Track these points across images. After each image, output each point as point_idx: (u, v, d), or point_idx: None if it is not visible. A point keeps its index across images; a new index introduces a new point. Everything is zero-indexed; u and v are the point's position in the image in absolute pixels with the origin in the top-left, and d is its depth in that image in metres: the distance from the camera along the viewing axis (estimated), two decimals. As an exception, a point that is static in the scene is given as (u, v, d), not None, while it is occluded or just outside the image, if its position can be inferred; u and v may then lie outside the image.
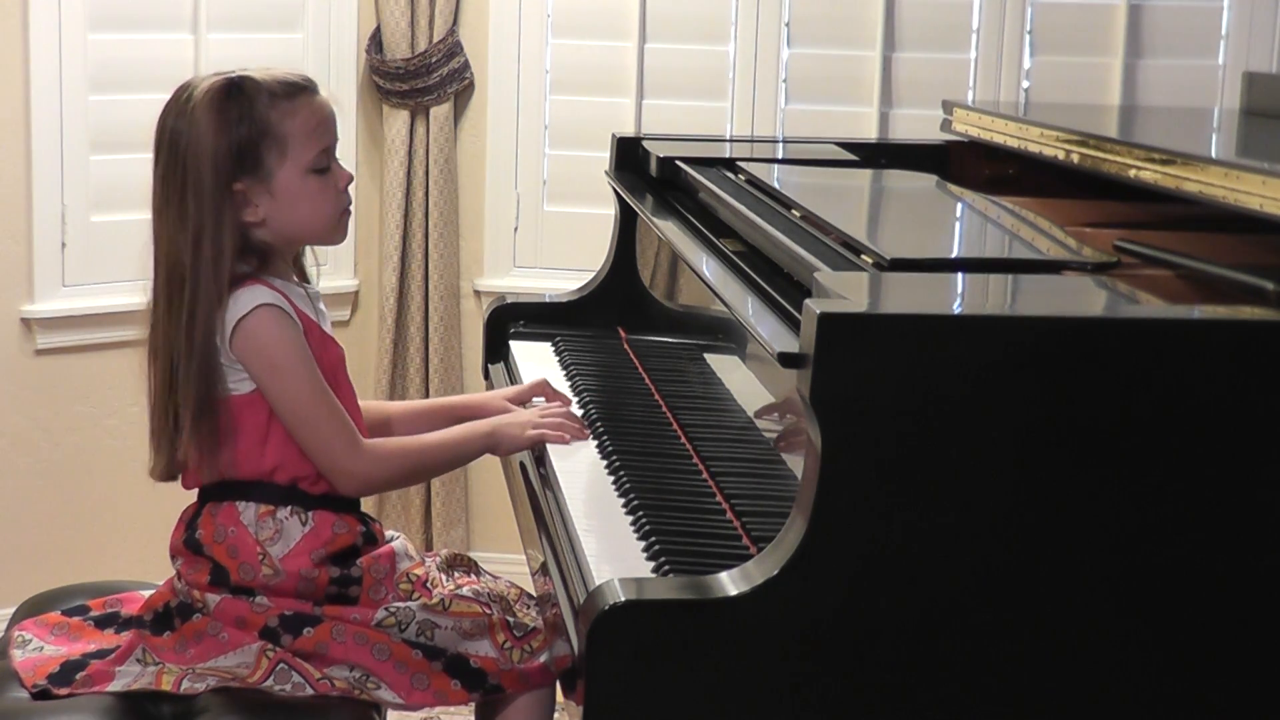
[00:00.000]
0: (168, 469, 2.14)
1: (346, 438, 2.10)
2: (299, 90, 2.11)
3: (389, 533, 2.21)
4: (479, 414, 2.36)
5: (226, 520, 2.11)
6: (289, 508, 2.10)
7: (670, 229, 2.48)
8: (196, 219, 2.06)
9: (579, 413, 2.41)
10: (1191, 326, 1.70)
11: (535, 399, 2.44)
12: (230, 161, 2.06)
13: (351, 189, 2.20)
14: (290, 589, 2.08)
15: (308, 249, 2.24)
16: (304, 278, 2.23)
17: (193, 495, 2.18)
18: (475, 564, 2.29)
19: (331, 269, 3.83)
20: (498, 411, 2.37)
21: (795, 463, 1.91)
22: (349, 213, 2.18)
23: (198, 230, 2.06)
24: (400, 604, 2.10)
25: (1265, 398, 1.66)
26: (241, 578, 2.09)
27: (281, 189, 2.09)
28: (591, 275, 2.98)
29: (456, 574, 2.23)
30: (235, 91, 2.08)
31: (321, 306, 2.20)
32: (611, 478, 2.17)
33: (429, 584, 2.14)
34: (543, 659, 2.10)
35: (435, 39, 3.98)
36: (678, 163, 2.70)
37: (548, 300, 2.98)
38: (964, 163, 2.88)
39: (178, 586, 2.13)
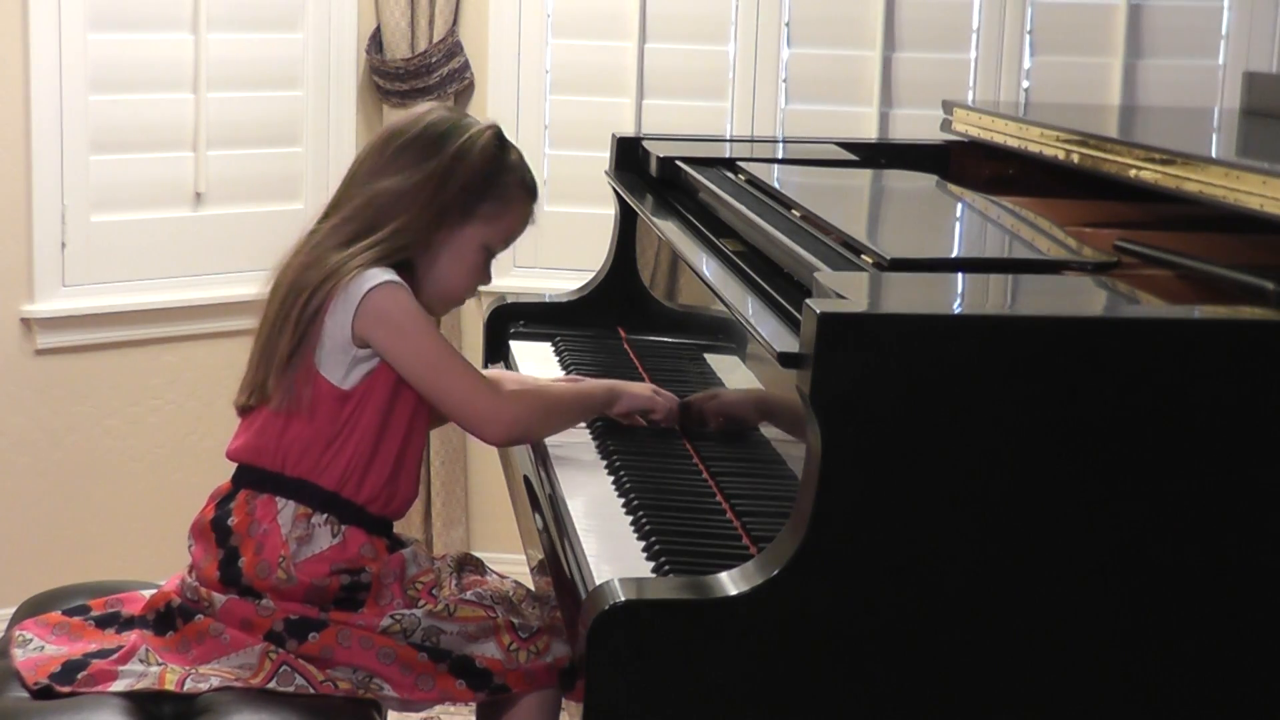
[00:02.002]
0: (257, 395, 2.16)
1: (485, 383, 2.18)
2: (533, 191, 2.29)
3: (404, 537, 2.21)
4: None
5: (263, 514, 2.11)
6: (325, 515, 2.11)
7: (670, 229, 2.48)
8: (413, 197, 2.17)
9: None
10: (1191, 326, 1.70)
11: None
12: (471, 185, 2.20)
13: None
14: (298, 595, 2.09)
15: None
16: None
17: (216, 479, 2.20)
18: (482, 564, 2.29)
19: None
20: None
21: (795, 463, 1.91)
22: (459, 304, 2.36)
23: (407, 206, 2.17)
24: (405, 611, 2.10)
25: (1265, 398, 1.66)
26: (255, 574, 2.09)
27: (461, 238, 2.22)
28: (591, 275, 2.98)
29: (465, 575, 2.23)
30: (510, 148, 2.26)
31: None
32: (611, 478, 2.17)
33: (434, 590, 2.14)
34: (549, 659, 2.10)
35: (435, 39, 3.98)
36: (678, 163, 2.70)
37: (548, 300, 2.98)
38: (964, 163, 2.88)
39: (187, 580, 2.13)
